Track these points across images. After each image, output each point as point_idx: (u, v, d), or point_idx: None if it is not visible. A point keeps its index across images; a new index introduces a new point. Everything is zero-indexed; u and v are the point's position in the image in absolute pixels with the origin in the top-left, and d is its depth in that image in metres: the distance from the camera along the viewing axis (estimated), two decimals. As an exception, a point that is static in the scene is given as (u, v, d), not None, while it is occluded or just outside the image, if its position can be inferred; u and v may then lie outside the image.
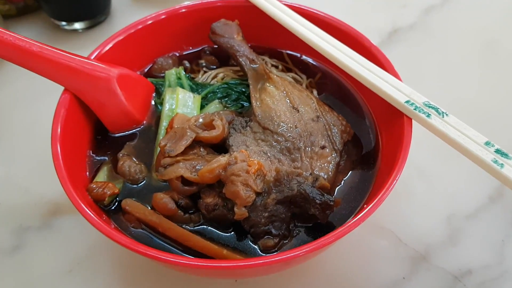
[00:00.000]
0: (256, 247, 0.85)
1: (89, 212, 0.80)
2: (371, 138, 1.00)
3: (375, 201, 0.79)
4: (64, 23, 1.46)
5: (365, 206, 0.79)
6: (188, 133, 0.89)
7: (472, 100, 1.26)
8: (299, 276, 0.98)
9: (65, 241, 1.05)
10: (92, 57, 1.01)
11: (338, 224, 0.88)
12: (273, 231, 0.84)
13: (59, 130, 0.89)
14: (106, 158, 0.98)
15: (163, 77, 1.10)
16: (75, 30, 1.47)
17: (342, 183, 0.93)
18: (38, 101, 1.28)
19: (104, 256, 1.03)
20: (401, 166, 0.83)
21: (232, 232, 0.87)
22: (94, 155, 0.98)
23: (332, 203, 0.83)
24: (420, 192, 1.10)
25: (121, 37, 1.06)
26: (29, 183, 1.14)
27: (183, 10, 1.11)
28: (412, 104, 0.88)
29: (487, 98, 1.29)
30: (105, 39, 1.29)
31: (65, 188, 0.83)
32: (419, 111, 0.87)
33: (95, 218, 0.79)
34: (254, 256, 0.83)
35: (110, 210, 0.90)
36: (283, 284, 0.97)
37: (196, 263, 0.73)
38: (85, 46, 1.42)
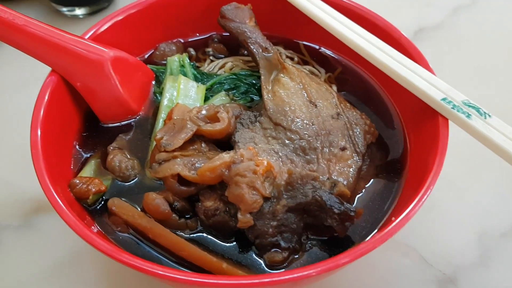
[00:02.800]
0: (261, 261, 0.73)
1: (66, 211, 0.68)
2: (397, 141, 0.88)
3: (403, 214, 0.67)
4: (65, 8, 1.36)
5: (393, 219, 0.67)
6: (189, 125, 0.77)
7: (505, 104, 1.14)
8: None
9: (45, 243, 0.95)
10: (86, 37, 0.90)
11: (357, 238, 0.76)
12: (282, 243, 0.72)
13: (41, 114, 0.78)
14: (95, 151, 0.87)
15: (165, 64, 0.98)
16: (76, 16, 1.37)
17: (363, 190, 0.80)
18: (25, 89, 1.18)
19: (88, 262, 0.92)
20: (436, 175, 0.71)
21: (234, 243, 0.75)
22: (80, 146, 0.87)
23: (353, 214, 0.70)
24: (449, 205, 0.97)
25: (120, 17, 0.95)
26: (10, 177, 1.03)
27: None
28: (450, 102, 0.76)
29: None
30: None
31: (41, 181, 0.72)
32: (458, 111, 0.75)
33: (73, 219, 0.68)
34: (258, 273, 0.71)
35: (94, 210, 0.79)
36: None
37: (191, 279, 0.61)
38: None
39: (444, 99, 0.77)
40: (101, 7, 1.38)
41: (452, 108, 0.76)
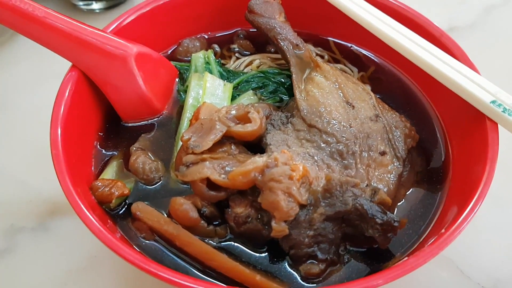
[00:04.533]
0: (296, 273, 0.68)
1: (89, 215, 0.64)
2: (438, 146, 0.83)
3: (454, 227, 0.62)
4: (81, 2, 1.32)
5: (442, 231, 0.62)
6: (218, 126, 0.72)
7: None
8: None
9: (62, 247, 0.90)
10: (109, 31, 0.85)
11: (396, 250, 0.70)
12: (319, 254, 0.67)
13: (61, 112, 0.73)
14: (116, 152, 0.82)
15: (189, 61, 0.94)
16: (92, 11, 1.33)
17: (403, 199, 0.75)
18: (43, 85, 1.13)
19: (106, 267, 0.87)
20: (487, 184, 0.66)
21: (266, 252, 0.70)
22: (101, 146, 0.82)
23: (396, 224, 0.65)
24: (489, 216, 0.91)
25: (144, 10, 0.90)
26: (26, 177, 0.99)
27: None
28: (500, 105, 0.71)
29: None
30: None
31: (62, 183, 0.67)
32: (509, 114, 0.70)
33: (96, 224, 0.63)
34: (294, 285, 0.66)
35: (116, 215, 0.74)
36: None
37: None
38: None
39: (493, 102, 0.71)
40: (118, 2, 1.33)
41: (502, 111, 0.70)
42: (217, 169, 0.69)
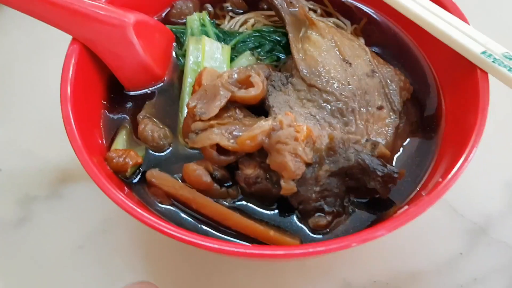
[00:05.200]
0: (303, 226, 0.73)
1: (110, 187, 0.67)
2: (431, 96, 0.86)
3: (450, 175, 0.67)
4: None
5: (439, 179, 0.67)
6: (222, 92, 0.75)
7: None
8: (346, 255, 0.87)
9: (76, 212, 0.94)
10: (103, 0, 0.85)
11: (398, 198, 0.75)
12: (326, 207, 0.72)
13: (68, 90, 0.75)
14: (122, 120, 0.85)
15: (184, 23, 0.94)
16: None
17: (401, 149, 0.80)
18: (42, 53, 1.13)
19: (121, 230, 0.91)
20: (480, 132, 0.70)
21: (276, 210, 0.75)
22: (109, 116, 0.84)
23: (396, 176, 0.70)
24: (479, 159, 0.97)
25: (134, -25, 0.89)
26: (33, 147, 1.01)
27: None
28: (490, 55, 0.74)
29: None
30: None
31: (81, 159, 0.70)
32: (499, 65, 0.73)
33: (118, 194, 0.67)
34: (304, 238, 0.72)
35: (133, 183, 0.78)
36: (331, 261, 0.87)
37: (259, 252, 0.61)
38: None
39: (484, 53, 0.74)
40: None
41: (492, 62, 0.74)
42: (225, 134, 0.73)
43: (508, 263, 0.88)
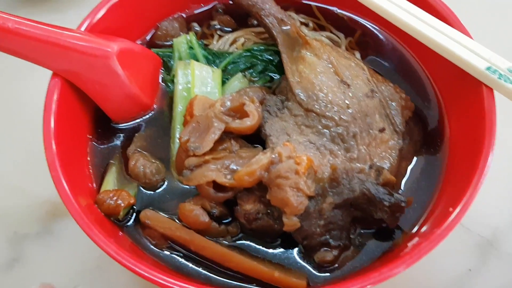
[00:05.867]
0: (311, 262, 0.70)
1: (100, 236, 0.64)
2: (434, 113, 0.83)
3: (461, 204, 0.64)
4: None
5: (450, 209, 0.64)
6: (216, 124, 0.71)
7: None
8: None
9: (69, 248, 0.90)
10: (83, 28, 0.81)
11: (404, 225, 0.72)
12: (331, 242, 0.69)
13: (52, 132, 0.71)
14: (111, 156, 0.81)
15: (171, 45, 0.90)
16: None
17: (407, 173, 0.76)
18: (19, 80, 1.08)
19: (116, 265, 0.87)
20: (487, 155, 0.67)
21: (279, 246, 0.72)
22: (97, 153, 0.80)
23: (404, 205, 0.67)
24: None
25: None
26: (19, 182, 0.97)
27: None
28: (495, 71, 0.71)
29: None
30: None
31: (69, 206, 0.66)
32: (505, 80, 0.70)
33: (107, 244, 0.63)
34: (310, 276, 0.68)
35: (127, 225, 0.74)
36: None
37: None
38: (68, 5, 1.20)
39: (488, 68, 0.71)
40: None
41: (498, 78, 0.70)
42: (222, 170, 0.69)
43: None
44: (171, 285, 0.60)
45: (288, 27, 0.83)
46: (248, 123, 0.72)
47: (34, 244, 0.90)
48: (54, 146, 0.70)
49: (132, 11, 0.88)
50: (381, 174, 0.70)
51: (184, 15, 0.95)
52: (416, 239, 0.64)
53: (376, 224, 0.71)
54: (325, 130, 0.73)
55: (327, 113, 0.74)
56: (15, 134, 1.02)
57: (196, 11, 0.96)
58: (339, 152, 0.72)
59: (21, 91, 1.07)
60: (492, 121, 0.69)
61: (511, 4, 1.15)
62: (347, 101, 0.75)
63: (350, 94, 0.75)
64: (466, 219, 0.88)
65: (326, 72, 0.77)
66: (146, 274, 0.61)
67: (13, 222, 0.93)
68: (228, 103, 0.74)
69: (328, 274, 0.69)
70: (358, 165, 0.70)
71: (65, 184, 0.67)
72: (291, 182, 0.66)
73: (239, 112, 0.74)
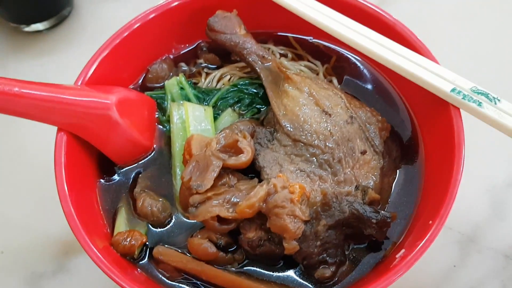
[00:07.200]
0: (305, 281, 0.78)
1: (123, 278, 0.70)
2: (408, 131, 0.91)
3: (440, 216, 0.72)
4: (23, 25, 1.28)
5: (430, 222, 0.72)
6: (214, 162, 0.78)
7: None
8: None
9: (85, 284, 0.96)
10: (79, 83, 0.86)
11: (391, 236, 0.80)
12: (329, 259, 0.77)
13: (65, 184, 0.77)
14: (119, 198, 0.87)
15: (162, 87, 0.97)
16: (39, 31, 1.29)
17: (391, 188, 0.84)
18: (16, 124, 1.13)
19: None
20: (458, 166, 0.75)
21: (281, 267, 0.79)
22: (106, 197, 0.86)
23: (389, 220, 0.75)
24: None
25: (106, 52, 0.90)
26: (30, 222, 1.03)
27: (174, 4, 0.95)
28: (459, 92, 0.79)
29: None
30: (74, 37, 1.22)
31: (89, 252, 0.72)
32: (469, 100, 0.78)
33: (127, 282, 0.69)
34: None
35: (142, 263, 0.80)
36: None
37: None
38: (53, 49, 1.27)
39: (453, 90, 0.79)
40: (63, 17, 1.30)
41: (462, 98, 0.78)
42: (224, 204, 0.76)
43: (499, 268, 0.94)
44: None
45: (270, 63, 0.91)
46: (243, 159, 0.79)
47: (52, 281, 0.96)
48: (68, 198, 0.76)
49: (122, 60, 0.93)
50: (367, 193, 0.77)
51: (171, 56, 1.02)
52: (402, 251, 0.72)
53: (367, 239, 0.79)
54: (313, 157, 0.81)
55: (313, 142, 0.81)
56: (19, 177, 1.08)
57: (182, 51, 1.02)
58: (328, 177, 0.80)
59: (19, 134, 1.13)
60: (460, 138, 0.77)
61: (472, 27, 1.23)
62: (330, 129, 0.82)
63: (332, 123, 0.83)
64: (447, 220, 0.98)
65: (308, 104, 0.85)
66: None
67: (29, 262, 0.98)
68: (223, 141, 0.81)
69: (328, 288, 0.77)
70: (346, 188, 0.78)
71: (83, 233, 0.73)
72: (287, 211, 0.73)
73: (233, 148, 0.81)
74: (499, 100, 0.78)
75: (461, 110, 0.80)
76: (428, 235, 0.70)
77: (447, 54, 0.94)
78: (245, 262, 0.79)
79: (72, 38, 1.29)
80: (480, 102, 0.78)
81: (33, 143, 1.10)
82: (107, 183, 0.88)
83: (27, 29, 1.28)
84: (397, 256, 0.73)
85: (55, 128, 0.82)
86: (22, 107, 0.77)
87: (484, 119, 0.78)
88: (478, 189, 1.02)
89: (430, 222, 0.72)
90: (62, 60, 1.25)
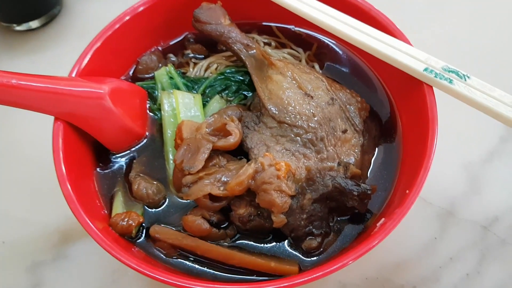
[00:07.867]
0: (299, 250, 0.83)
1: (119, 251, 0.75)
2: (386, 110, 0.96)
3: (415, 186, 0.77)
4: (15, 24, 1.31)
5: (407, 191, 0.77)
6: (204, 144, 0.83)
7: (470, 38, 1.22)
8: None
9: (85, 269, 1.00)
10: (73, 74, 0.91)
11: (372, 208, 0.86)
12: (315, 231, 0.82)
13: (64, 170, 0.81)
14: (115, 183, 0.91)
15: (152, 77, 1.01)
16: (30, 30, 1.33)
17: (371, 164, 0.89)
18: (11, 117, 1.17)
19: (130, 277, 0.98)
20: (432, 141, 0.80)
21: (271, 240, 0.84)
22: (103, 182, 0.91)
23: (370, 192, 0.80)
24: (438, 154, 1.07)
25: (98, 44, 0.95)
26: (28, 213, 1.06)
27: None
28: (432, 71, 0.84)
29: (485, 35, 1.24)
30: (65, 35, 1.25)
31: (90, 231, 0.77)
32: (440, 78, 0.83)
33: (126, 256, 0.74)
34: (300, 261, 0.81)
35: (139, 241, 0.85)
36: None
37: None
38: (44, 46, 1.31)
39: (426, 69, 0.84)
40: (54, 15, 1.34)
41: (434, 77, 0.84)
42: (215, 183, 0.81)
43: (476, 239, 0.99)
44: (184, 285, 0.72)
45: (254, 51, 0.95)
46: (231, 141, 0.84)
47: (52, 268, 0.99)
48: (68, 184, 0.80)
49: (114, 52, 0.98)
50: (348, 169, 0.83)
51: (160, 48, 1.06)
52: (382, 220, 0.77)
53: (350, 211, 0.84)
54: (297, 137, 0.86)
55: (297, 123, 0.86)
56: (14, 169, 1.11)
57: (171, 43, 1.07)
58: (311, 155, 0.85)
59: (13, 127, 1.16)
60: (434, 113, 0.82)
61: (443, 8, 1.29)
62: (312, 111, 0.87)
63: (314, 104, 0.88)
64: (428, 195, 1.04)
65: (292, 87, 0.90)
66: (162, 278, 0.72)
67: (29, 252, 1.01)
68: (212, 125, 0.86)
69: (315, 258, 0.82)
70: (329, 163, 0.83)
71: (83, 214, 0.77)
72: (274, 186, 0.78)
73: (222, 131, 0.86)
74: (468, 77, 0.83)
75: (434, 88, 0.85)
76: (406, 203, 0.75)
77: (422, 38, 0.99)
78: (237, 237, 0.84)
79: (62, 36, 1.32)
80: (451, 80, 0.83)
81: (28, 136, 1.14)
82: (104, 170, 0.92)
83: (18, 28, 1.32)
84: (377, 224, 0.78)
85: (50, 121, 0.87)
86: (20, 98, 0.82)
87: (455, 96, 0.83)
88: (455, 165, 1.07)
89: (407, 191, 0.77)
90: (53, 57, 1.29)
